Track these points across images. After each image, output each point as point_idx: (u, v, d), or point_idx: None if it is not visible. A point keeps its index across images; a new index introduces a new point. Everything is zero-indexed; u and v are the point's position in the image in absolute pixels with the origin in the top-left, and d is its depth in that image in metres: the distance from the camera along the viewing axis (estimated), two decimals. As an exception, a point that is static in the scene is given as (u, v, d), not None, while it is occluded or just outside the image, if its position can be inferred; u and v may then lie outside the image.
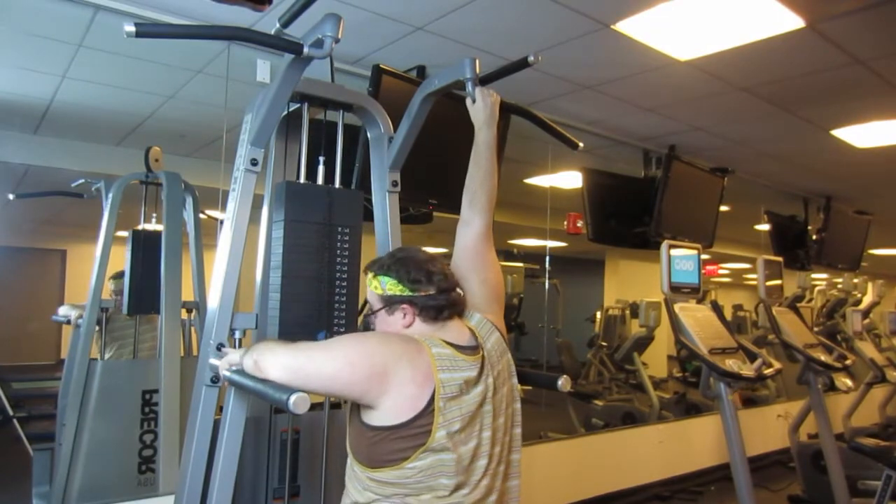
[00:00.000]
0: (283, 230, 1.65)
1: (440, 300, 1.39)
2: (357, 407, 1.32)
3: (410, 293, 1.38)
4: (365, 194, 1.85)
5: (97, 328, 2.98)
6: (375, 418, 1.27)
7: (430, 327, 1.39)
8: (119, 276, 3.06)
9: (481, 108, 1.59)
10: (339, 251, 1.72)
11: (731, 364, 2.81)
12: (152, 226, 3.09)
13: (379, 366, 1.24)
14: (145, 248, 2.96)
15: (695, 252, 3.11)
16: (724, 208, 4.87)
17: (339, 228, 1.72)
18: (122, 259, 3.05)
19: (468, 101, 1.61)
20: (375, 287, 1.42)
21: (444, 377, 1.28)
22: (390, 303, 1.41)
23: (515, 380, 1.48)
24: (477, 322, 1.46)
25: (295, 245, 1.65)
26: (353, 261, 1.74)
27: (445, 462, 1.26)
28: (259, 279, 1.86)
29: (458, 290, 1.44)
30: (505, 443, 1.41)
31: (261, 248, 1.86)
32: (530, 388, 1.78)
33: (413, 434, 1.24)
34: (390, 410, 1.25)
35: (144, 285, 2.93)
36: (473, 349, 1.38)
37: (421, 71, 3.09)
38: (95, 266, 2.88)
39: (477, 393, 1.33)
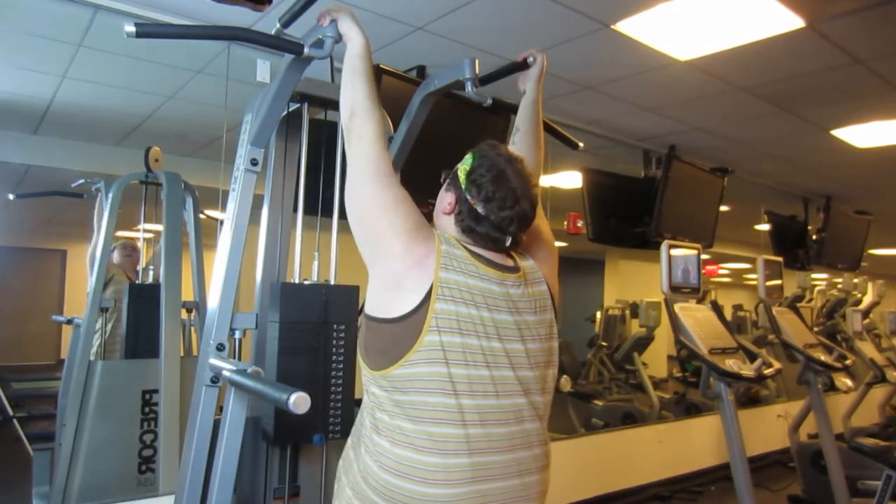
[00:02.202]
0: (277, 332, 1.68)
1: (479, 218, 1.22)
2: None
3: (462, 188, 1.25)
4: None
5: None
6: (371, 302, 1.20)
7: (457, 233, 1.26)
8: None
9: (537, 69, 1.60)
10: (334, 350, 1.74)
11: (731, 364, 2.81)
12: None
13: (407, 224, 1.18)
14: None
15: (695, 252, 3.11)
16: (724, 208, 4.87)
17: (335, 326, 1.74)
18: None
19: (529, 60, 1.61)
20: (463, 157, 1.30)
21: (446, 276, 1.16)
22: (452, 177, 1.29)
23: (556, 343, 1.35)
24: (529, 265, 1.31)
25: (289, 347, 1.68)
26: (347, 358, 1.76)
27: (435, 377, 1.12)
28: (259, 279, 1.85)
29: (512, 234, 1.24)
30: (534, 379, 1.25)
31: (261, 247, 1.86)
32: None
33: (405, 331, 1.14)
34: (380, 284, 1.19)
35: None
36: (507, 269, 1.24)
37: (421, 71, 3.09)
38: (95, 266, 2.88)
39: (498, 310, 1.18)
